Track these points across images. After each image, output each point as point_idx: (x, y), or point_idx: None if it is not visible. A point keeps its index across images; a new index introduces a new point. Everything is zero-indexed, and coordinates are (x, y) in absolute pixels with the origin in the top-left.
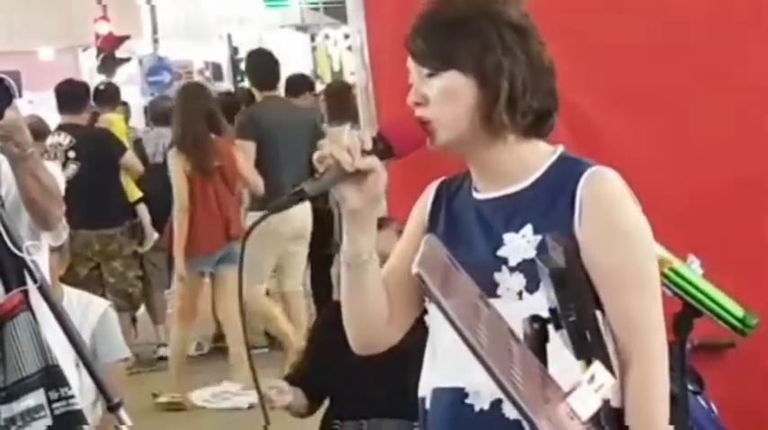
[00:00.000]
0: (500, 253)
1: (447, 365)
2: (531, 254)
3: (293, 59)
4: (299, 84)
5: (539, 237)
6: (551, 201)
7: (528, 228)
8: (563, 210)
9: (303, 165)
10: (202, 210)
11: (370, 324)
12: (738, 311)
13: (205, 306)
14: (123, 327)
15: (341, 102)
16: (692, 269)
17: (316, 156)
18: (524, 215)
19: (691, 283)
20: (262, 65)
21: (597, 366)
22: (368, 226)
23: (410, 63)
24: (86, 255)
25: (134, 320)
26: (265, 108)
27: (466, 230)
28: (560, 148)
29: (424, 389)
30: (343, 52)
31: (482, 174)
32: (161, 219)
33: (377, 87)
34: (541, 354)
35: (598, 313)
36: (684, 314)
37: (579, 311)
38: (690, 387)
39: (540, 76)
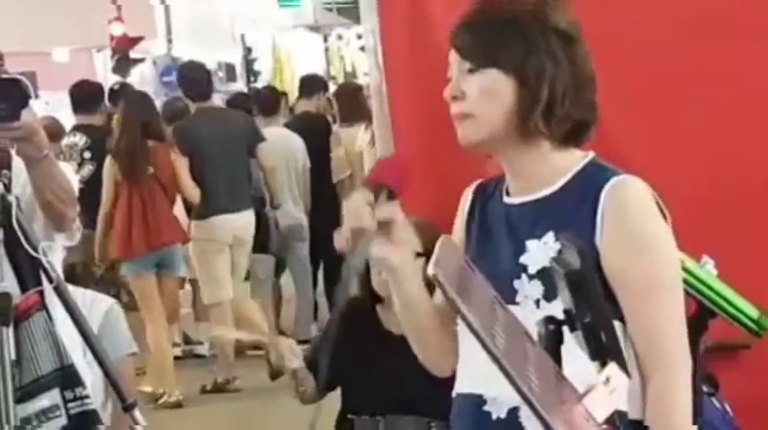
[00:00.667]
0: (522, 259)
1: (468, 372)
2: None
3: (306, 60)
4: (313, 84)
5: (558, 245)
6: (575, 209)
7: (550, 236)
8: (585, 219)
9: (238, 175)
10: (128, 216)
11: (437, 352)
12: (753, 312)
13: None
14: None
15: (352, 102)
16: (707, 270)
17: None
18: (548, 222)
19: (705, 284)
20: (194, 76)
21: (612, 367)
22: (410, 281)
23: (452, 57)
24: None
25: None
26: (197, 120)
27: (494, 236)
28: (591, 154)
29: (454, 392)
30: (357, 53)
31: (513, 176)
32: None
33: (390, 88)
34: (556, 356)
35: (618, 323)
36: (699, 315)
37: (594, 313)
38: (704, 388)
39: (582, 86)
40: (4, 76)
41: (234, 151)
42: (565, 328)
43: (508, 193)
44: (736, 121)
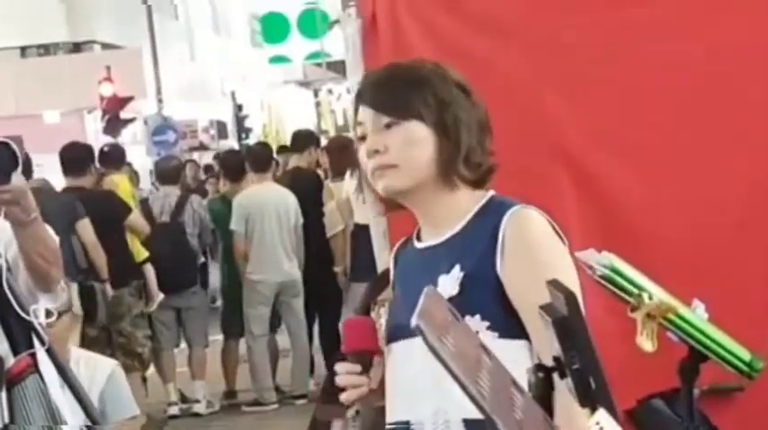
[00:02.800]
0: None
1: (396, 402)
2: (455, 290)
3: (297, 115)
4: (304, 139)
5: (462, 274)
6: (477, 240)
7: (456, 268)
8: (486, 248)
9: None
10: None
11: None
12: (745, 355)
13: (214, 364)
14: (134, 387)
15: (342, 156)
16: (698, 314)
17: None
18: (455, 257)
19: (696, 328)
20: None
21: (601, 414)
22: None
23: (364, 115)
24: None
25: (144, 380)
26: None
27: (411, 279)
28: (491, 192)
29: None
30: (348, 107)
31: (425, 222)
32: (168, 277)
33: None
34: (547, 404)
35: (524, 342)
36: (691, 359)
37: (583, 359)
38: None
39: (485, 135)
40: None
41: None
42: (555, 375)
43: (419, 239)
44: (728, 166)
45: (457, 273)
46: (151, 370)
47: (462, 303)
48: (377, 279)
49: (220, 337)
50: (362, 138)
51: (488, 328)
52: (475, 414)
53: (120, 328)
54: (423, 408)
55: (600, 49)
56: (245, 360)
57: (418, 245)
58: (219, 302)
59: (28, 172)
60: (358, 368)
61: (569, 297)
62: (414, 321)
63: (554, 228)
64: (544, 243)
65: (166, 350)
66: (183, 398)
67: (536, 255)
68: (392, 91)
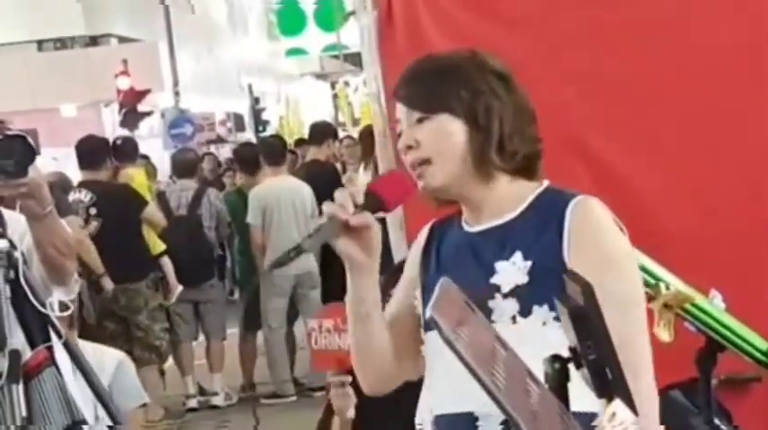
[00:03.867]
0: (493, 280)
1: (447, 391)
2: (524, 279)
3: (314, 107)
4: (323, 132)
5: (529, 263)
6: (540, 229)
7: (518, 256)
8: (551, 238)
9: None
10: None
11: (377, 367)
12: (762, 345)
13: (232, 356)
14: (152, 380)
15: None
16: (715, 304)
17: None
18: (514, 243)
19: (714, 318)
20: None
21: (618, 404)
22: (368, 278)
23: (399, 111)
24: (113, 310)
25: (162, 373)
26: None
27: (459, 263)
28: (546, 183)
29: (423, 415)
30: (364, 99)
31: (473, 211)
32: (186, 270)
33: (394, 132)
34: (563, 394)
35: None
36: (708, 349)
37: (599, 349)
38: (717, 422)
39: (525, 121)
40: (11, 132)
41: None
42: (570, 366)
43: (467, 223)
44: (744, 156)
45: (521, 261)
46: (169, 362)
47: (532, 293)
48: (391, 271)
49: (237, 330)
50: (400, 135)
51: (555, 319)
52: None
53: (138, 322)
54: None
55: (616, 41)
56: (263, 352)
57: (468, 229)
58: (237, 295)
59: None
60: (361, 197)
61: (585, 288)
62: (428, 313)
63: (614, 219)
64: (610, 231)
65: (184, 343)
66: (202, 391)
67: (603, 242)
68: (421, 85)
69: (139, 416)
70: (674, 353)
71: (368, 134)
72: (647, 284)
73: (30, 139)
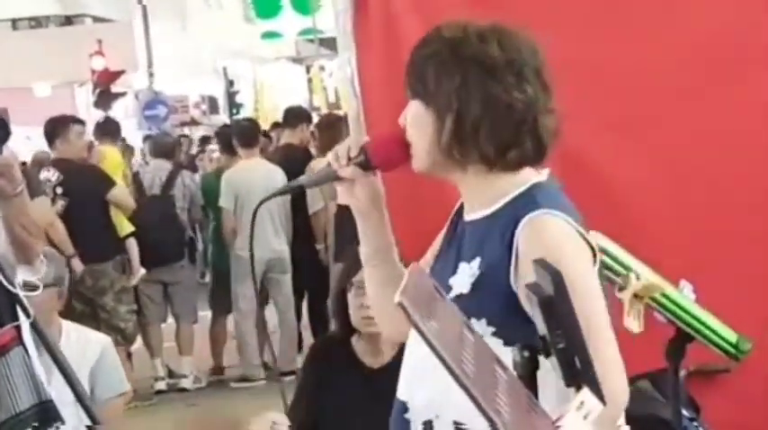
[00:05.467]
0: (450, 280)
1: (402, 378)
2: (466, 289)
3: (289, 91)
4: (297, 116)
5: (478, 273)
6: (498, 237)
7: (476, 262)
8: (503, 252)
9: None
10: None
11: (388, 315)
12: (731, 336)
13: (202, 340)
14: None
15: (333, 133)
16: (684, 294)
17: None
18: (479, 246)
19: (683, 309)
20: None
21: (585, 393)
22: (372, 226)
23: None
24: (79, 290)
25: (129, 355)
26: None
27: (450, 247)
28: (536, 179)
29: None
30: (340, 83)
31: (463, 196)
32: (156, 250)
33: (368, 116)
34: (532, 383)
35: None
36: (677, 340)
37: (568, 338)
38: (686, 413)
39: (502, 114)
40: None
41: None
42: (540, 355)
43: (465, 209)
44: (717, 146)
45: (475, 268)
46: (138, 344)
47: (470, 305)
48: (350, 260)
49: (209, 313)
50: None
51: (493, 334)
52: (468, 419)
53: (103, 303)
54: (419, 394)
55: (589, 25)
56: (234, 336)
57: (465, 216)
58: (208, 278)
59: None
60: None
61: (555, 276)
62: (397, 298)
63: (578, 231)
64: (559, 253)
65: (153, 324)
66: (171, 374)
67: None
68: (410, 66)
69: (119, 403)
70: (643, 343)
71: (327, 124)
72: (616, 274)
73: (5, 118)
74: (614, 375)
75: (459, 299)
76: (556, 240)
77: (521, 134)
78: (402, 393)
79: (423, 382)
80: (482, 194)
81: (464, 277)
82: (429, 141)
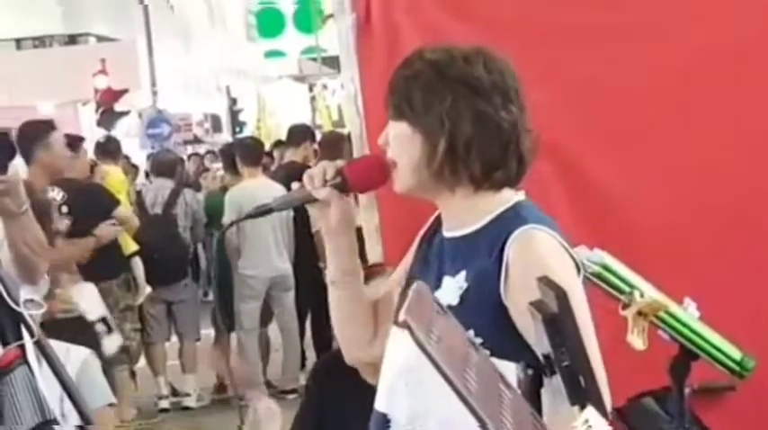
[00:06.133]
0: (437, 293)
1: (381, 388)
2: (455, 301)
3: (292, 109)
4: (300, 134)
5: (466, 285)
6: (485, 252)
7: (462, 275)
8: (493, 266)
9: None
10: None
11: (353, 338)
12: (736, 354)
13: (205, 357)
14: (123, 381)
15: (335, 151)
16: (689, 312)
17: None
18: (464, 261)
19: (687, 327)
20: None
21: (590, 411)
22: (342, 248)
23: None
24: None
25: (133, 373)
26: None
27: (430, 264)
28: (517, 198)
29: None
30: (342, 102)
31: (444, 215)
32: (159, 269)
33: (371, 135)
34: (536, 401)
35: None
36: (681, 358)
37: (572, 356)
38: None
39: (491, 134)
40: None
41: None
42: (544, 373)
43: (444, 226)
44: (719, 161)
45: (462, 281)
46: (142, 363)
47: (459, 316)
48: None
49: (212, 331)
50: None
51: (481, 345)
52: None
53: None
54: (400, 405)
55: (589, 46)
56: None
57: (443, 232)
58: (211, 296)
59: None
60: (331, 173)
61: (559, 294)
62: (401, 316)
63: (563, 246)
64: (548, 269)
65: (157, 343)
66: (174, 392)
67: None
68: (392, 87)
69: (109, 415)
70: (648, 360)
71: (329, 142)
72: (620, 291)
73: (11, 137)
74: (604, 392)
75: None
76: (545, 253)
77: (507, 154)
78: (382, 404)
79: (404, 393)
80: (466, 212)
81: (451, 290)
82: (416, 162)
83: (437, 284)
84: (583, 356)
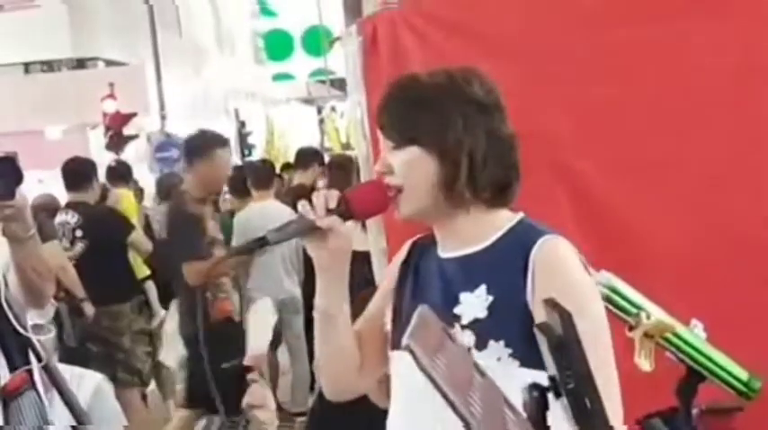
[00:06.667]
0: (456, 310)
1: (399, 414)
2: (483, 313)
3: (301, 132)
4: (309, 157)
5: (491, 298)
6: (506, 265)
7: (482, 289)
8: (516, 275)
9: None
10: None
11: (340, 372)
12: (743, 375)
13: None
14: (135, 404)
15: (344, 174)
16: (695, 333)
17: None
18: (480, 276)
19: (694, 348)
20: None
21: None
22: (335, 281)
23: (380, 134)
24: (93, 331)
25: (144, 396)
26: None
27: (428, 286)
28: (520, 215)
29: None
30: (350, 124)
31: (446, 238)
32: (169, 293)
33: (378, 159)
34: (542, 423)
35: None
36: (689, 379)
37: (578, 378)
38: None
39: (501, 150)
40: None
41: None
42: (550, 395)
43: (442, 248)
44: (729, 183)
45: (484, 294)
46: (152, 386)
47: (490, 327)
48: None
49: None
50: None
51: (510, 355)
52: None
53: (120, 344)
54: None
55: (598, 66)
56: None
57: (441, 254)
58: None
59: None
60: (334, 202)
61: (565, 316)
62: (405, 341)
63: (581, 260)
64: (573, 271)
65: (167, 367)
66: None
67: (566, 284)
68: (394, 114)
69: None
70: (655, 382)
71: (337, 165)
72: (627, 313)
73: (17, 161)
74: (617, 415)
75: (475, 323)
76: (568, 260)
77: (515, 169)
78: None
79: (428, 417)
80: (475, 230)
81: (474, 304)
82: (428, 186)
83: (452, 302)
84: (589, 379)
